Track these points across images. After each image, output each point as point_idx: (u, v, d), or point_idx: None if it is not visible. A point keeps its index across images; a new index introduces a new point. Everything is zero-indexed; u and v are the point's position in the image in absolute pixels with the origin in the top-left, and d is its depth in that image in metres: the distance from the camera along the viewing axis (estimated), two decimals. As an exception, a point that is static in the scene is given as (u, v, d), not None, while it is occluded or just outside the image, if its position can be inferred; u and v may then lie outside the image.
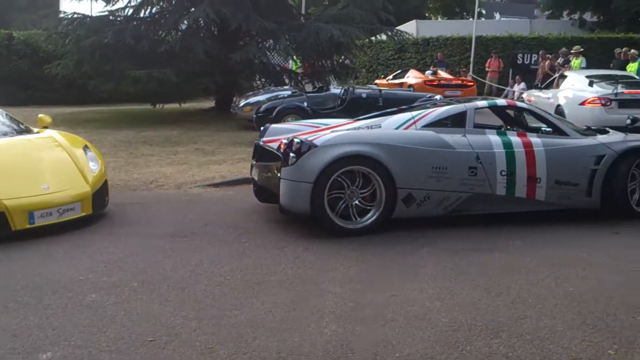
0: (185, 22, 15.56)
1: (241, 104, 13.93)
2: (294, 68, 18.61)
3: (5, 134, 6.38)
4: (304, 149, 5.40)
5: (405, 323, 3.66)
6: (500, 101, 6.62)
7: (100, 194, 6.09)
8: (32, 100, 18.32)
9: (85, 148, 6.46)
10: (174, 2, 16.40)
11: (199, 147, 10.75)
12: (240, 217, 6.18)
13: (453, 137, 5.76)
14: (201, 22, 15.44)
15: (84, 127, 12.56)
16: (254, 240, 5.39)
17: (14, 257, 4.91)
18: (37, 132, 6.66)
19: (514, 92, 19.94)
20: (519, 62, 22.44)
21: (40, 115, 7.07)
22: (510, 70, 22.42)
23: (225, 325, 3.66)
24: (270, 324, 3.66)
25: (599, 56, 19.85)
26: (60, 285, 4.31)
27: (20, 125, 6.77)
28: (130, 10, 16.33)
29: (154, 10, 16.59)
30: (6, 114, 6.98)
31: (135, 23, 15.55)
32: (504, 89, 21.14)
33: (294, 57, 15.66)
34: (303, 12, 21.48)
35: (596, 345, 3.36)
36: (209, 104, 17.69)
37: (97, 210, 5.99)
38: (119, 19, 15.96)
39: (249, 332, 3.55)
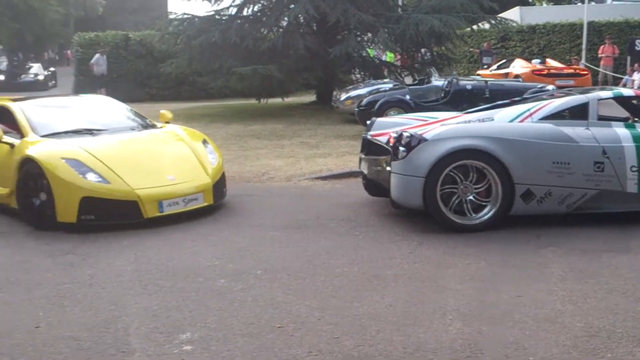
0: (286, 19, 15.86)
1: (342, 98, 14.03)
2: (387, 59, 18.50)
3: (133, 129, 6.85)
4: (414, 142, 5.36)
5: (535, 325, 3.54)
6: (627, 91, 6.27)
7: (219, 185, 6.37)
8: (148, 97, 19.35)
9: (204, 142, 6.76)
10: (274, 0, 16.76)
11: (304, 141, 10.93)
12: (351, 210, 6.25)
13: (575, 130, 5.51)
14: (301, 18, 15.70)
15: (197, 121, 13.12)
16: (367, 234, 5.44)
17: (148, 243, 5.26)
18: (161, 127, 7.05)
19: (632, 80, 18.80)
20: (638, 48, 21.01)
21: (162, 112, 7.48)
22: (628, 58, 21.06)
23: (348, 316, 3.73)
24: (392, 318, 3.69)
25: None
26: (191, 270, 4.57)
27: (146, 121, 7.21)
28: (234, 10, 16.84)
29: (255, 8, 17.02)
30: (133, 111, 7.47)
31: (239, 22, 16.01)
32: (622, 78, 19.96)
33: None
34: (400, 3, 21.29)
35: None
36: (310, 98, 17.96)
37: (217, 200, 6.28)
38: (224, 18, 16.49)
39: (371, 324, 3.60)
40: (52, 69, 30.48)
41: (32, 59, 37.13)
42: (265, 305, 3.91)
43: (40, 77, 27.13)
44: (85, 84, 19.77)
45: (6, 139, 6.29)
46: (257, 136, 11.56)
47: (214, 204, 6.19)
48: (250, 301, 3.98)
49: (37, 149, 5.92)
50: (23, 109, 6.63)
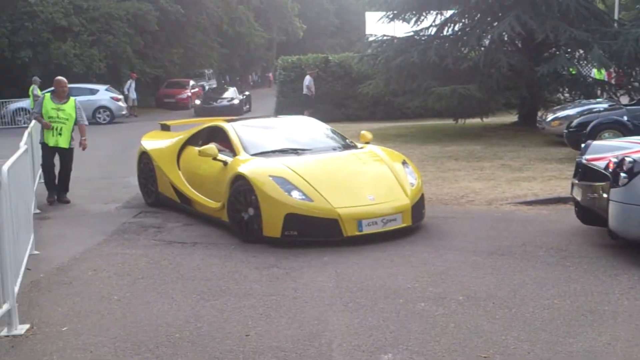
0: (489, 37, 15.41)
1: (549, 119, 13.24)
2: (596, 77, 17.09)
3: (335, 149, 7.05)
4: (638, 168, 4.89)
5: None
6: None
7: (418, 207, 6.29)
8: (344, 117, 20.02)
9: (404, 162, 6.74)
10: (476, 18, 16.40)
11: (505, 163, 10.46)
12: (561, 239, 5.80)
13: None
14: (505, 36, 15.14)
15: (392, 141, 13.21)
16: (580, 265, 5.01)
17: (347, 261, 5.33)
18: (361, 147, 7.17)
19: None
20: None
21: (362, 132, 7.63)
22: None
23: (561, 352, 3.47)
24: (611, 357, 3.38)
25: None
26: (391, 291, 4.54)
27: (346, 141, 7.39)
28: (434, 30, 16.80)
29: (456, 27, 16.82)
30: (334, 131, 7.71)
31: (438, 41, 15.94)
32: None
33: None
34: (615, 17, 19.62)
35: None
36: (511, 118, 17.23)
37: (415, 222, 6.21)
38: (423, 38, 16.53)
39: (588, 364, 3.29)
40: (247, 92, 30.81)
41: (238, 82, 39.46)
42: (469, 333, 3.74)
43: (235, 102, 27.19)
44: (286, 105, 20.94)
45: (220, 156, 6.81)
46: (455, 157, 11.31)
47: (412, 225, 6.13)
48: (452, 327, 3.83)
49: (248, 166, 6.32)
50: (235, 129, 7.14)
